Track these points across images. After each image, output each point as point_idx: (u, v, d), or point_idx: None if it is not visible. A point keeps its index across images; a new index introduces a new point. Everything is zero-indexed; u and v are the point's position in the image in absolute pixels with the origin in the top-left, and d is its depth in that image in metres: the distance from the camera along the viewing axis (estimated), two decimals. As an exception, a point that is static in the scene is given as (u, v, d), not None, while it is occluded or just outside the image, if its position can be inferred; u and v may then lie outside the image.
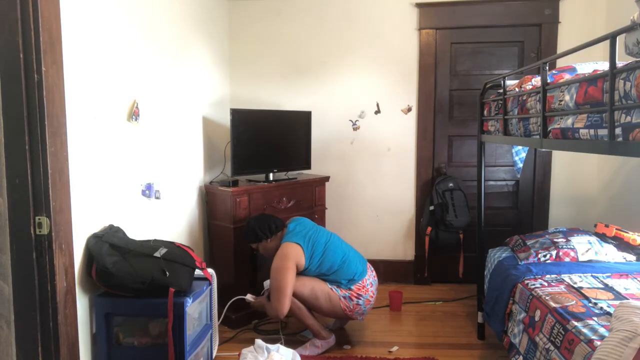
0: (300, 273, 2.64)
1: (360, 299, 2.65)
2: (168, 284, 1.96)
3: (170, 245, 2.15)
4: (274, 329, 2.99)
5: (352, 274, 2.66)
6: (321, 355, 2.67)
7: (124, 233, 2.12)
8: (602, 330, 1.72)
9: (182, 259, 2.09)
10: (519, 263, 2.60)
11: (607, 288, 2.17)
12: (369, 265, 2.82)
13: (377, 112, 3.77)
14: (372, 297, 2.71)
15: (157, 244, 2.12)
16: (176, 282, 1.99)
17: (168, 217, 2.72)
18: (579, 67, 1.99)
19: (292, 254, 2.55)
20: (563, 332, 1.82)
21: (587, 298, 2.04)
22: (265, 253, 2.79)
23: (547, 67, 1.89)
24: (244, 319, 3.05)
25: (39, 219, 1.65)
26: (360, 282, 2.67)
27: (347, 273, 2.65)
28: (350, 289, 2.64)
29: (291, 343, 2.75)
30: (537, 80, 2.17)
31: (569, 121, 1.65)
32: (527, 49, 3.62)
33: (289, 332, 2.96)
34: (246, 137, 3.13)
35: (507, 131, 2.37)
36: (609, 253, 2.59)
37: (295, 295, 2.59)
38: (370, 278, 2.74)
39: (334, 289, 2.63)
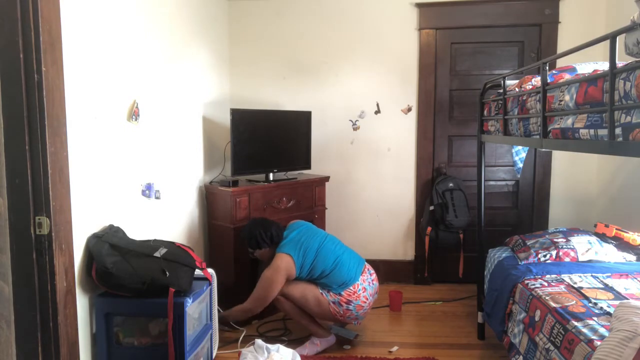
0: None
1: (350, 305, 2.62)
2: (168, 284, 1.96)
3: (170, 245, 2.15)
4: (274, 327, 3.00)
5: (344, 278, 2.62)
6: (321, 354, 2.67)
7: (124, 233, 2.12)
8: (602, 330, 1.72)
9: (182, 259, 2.09)
10: (519, 263, 2.60)
11: (607, 288, 2.17)
12: (368, 267, 2.78)
13: (377, 112, 3.77)
14: (364, 302, 2.66)
15: (157, 244, 2.12)
16: (176, 282, 1.99)
17: (168, 217, 2.72)
18: (579, 67, 1.99)
19: (284, 267, 2.57)
20: (563, 332, 1.82)
21: (587, 298, 2.04)
22: (260, 257, 2.80)
23: (547, 67, 1.89)
24: (244, 319, 3.04)
25: (39, 219, 1.65)
26: (351, 287, 2.63)
27: (339, 277, 2.62)
28: (340, 295, 2.61)
29: (291, 344, 2.75)
30: (537, 80, 2.17)
31: (569, 121, 1.65)
32: (527, 49, 3.62)
33: (293, 338, 2.95)
34: (246, 137, 3.13)
35: (507, 131, 2.37)
36: (609, 253, 2.59)
37: (286, 297, 2.61)
38: (364, 283, 2.68)
39: (323, 294, 2.62)
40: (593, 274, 2.36)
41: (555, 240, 2.69)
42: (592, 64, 1.99)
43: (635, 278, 2.30)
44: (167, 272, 1.97)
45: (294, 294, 2.60)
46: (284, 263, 2.57)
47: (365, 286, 2.69)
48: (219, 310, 2.57)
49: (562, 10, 3.53)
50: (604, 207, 3.49)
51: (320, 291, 2.62)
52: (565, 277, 2.34)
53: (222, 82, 3.69)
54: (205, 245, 3.29)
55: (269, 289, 2.57)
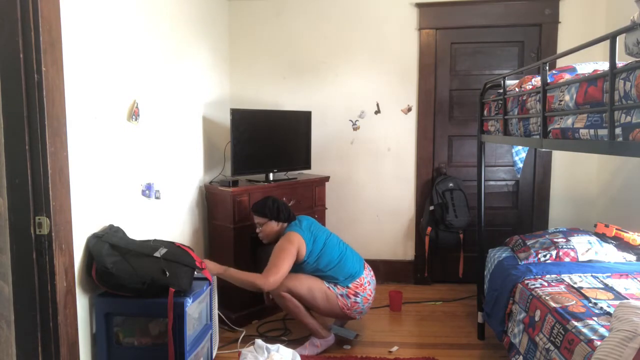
0: (298, 267, 2.63)
1: (358, 297, 2.65)
2: (168, 284, 1.96)
3: (170, 245, 2.15)
4: (274, 327, 3.00)
5: (350, 271, 2.66)
6: (321, 355, 2.67)
7: (124, 233, 2.12)
8: (602, 330, 1.72)
9: (182, 259, 2.09)
10: (519, 263, 2.60)
11: (607, 288, 2.17)
12: (366, 264, 2.83)
13: (377, 112, 3.77)
14: (370, 295, 2.72)
15: (157, 244, 2.12)
16: (176, 282, 1.99)
17: (168, 217, 2.71)
18: (579, 67, 1.99)
19: (296, 241, 2.59)
20: (563, 332, 1.82)
21: (587, 298, 2.04)
22: (264, 234, 2.77)
23: (547, 67, 1.89)
24: (244, 319, 3.05)
25: (39, 219, 1.65)
26: (357, 279, 2.68)
27: (344, 270, 2.65)
28: (347, 287, 2.64)
29: (291, 344, 2.75)
30: (537, 80, 2.17)
31: (569, 121, 1.65)
32: (527, 49, 3.62)
33: (293, 338, 2.95)
34: (246, 137, 3.13)
35: (507, 131, 2.37)
36: (609, 253, 2.59)
37: (292, 294, 2.59)
38: (367, 277, 2.74)
39: (331, 288, 2.63)
40: (593, 274, 2.36)
41: (555, 240, 2.69)
42: (592, 64, 1.99)
43: (635, 278, 2.30)
44: (167, 272, 1.98)
45: (301, 290, 2.59)
46: (296, 238, 2.60)
47: (369, 280, 2.75)
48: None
49: (562, 10, 3.53)
50: (604, 207, 3.49)
51: (327, 285, 2.63)
52: (565, 277, 2.34)
53: (222, 82, 3.69)
54: (205, 245, 3.29)
55: (284, 256, 2.51)
